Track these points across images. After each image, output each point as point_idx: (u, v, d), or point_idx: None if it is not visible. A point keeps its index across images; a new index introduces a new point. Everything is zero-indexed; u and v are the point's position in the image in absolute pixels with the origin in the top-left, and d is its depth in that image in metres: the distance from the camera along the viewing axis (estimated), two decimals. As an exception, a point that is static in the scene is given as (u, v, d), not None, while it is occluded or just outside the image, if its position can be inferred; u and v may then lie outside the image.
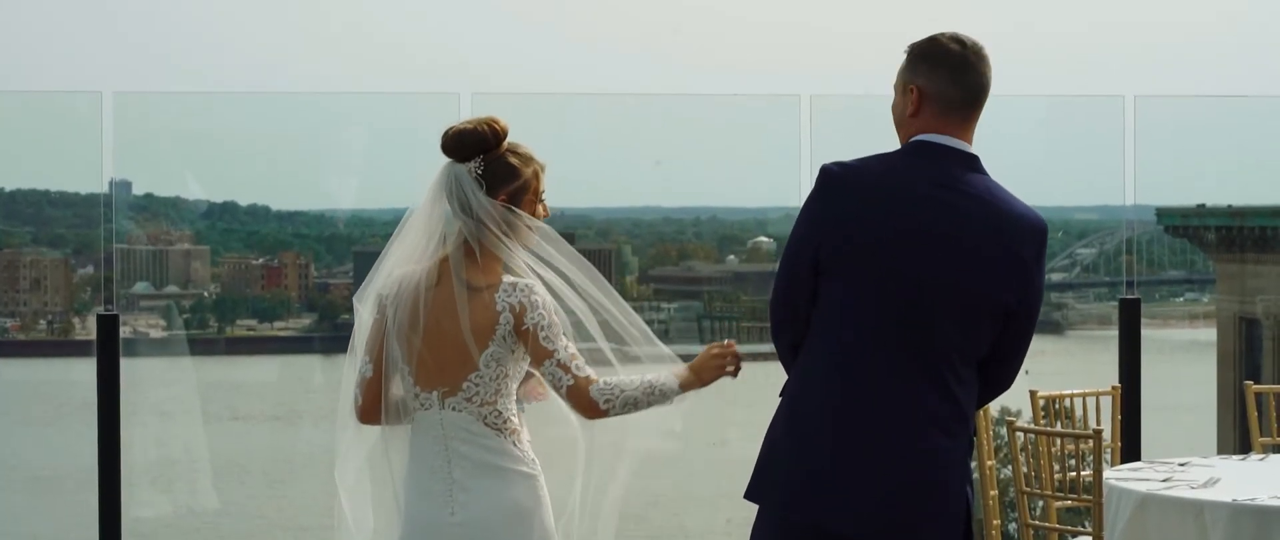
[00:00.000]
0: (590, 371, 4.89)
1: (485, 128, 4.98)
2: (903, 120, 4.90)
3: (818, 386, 4.75)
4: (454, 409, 4.86)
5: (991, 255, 4.76)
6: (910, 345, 4.71)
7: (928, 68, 4.85)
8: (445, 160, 5.02)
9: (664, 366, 5.04)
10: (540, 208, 5.04)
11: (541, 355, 4.84)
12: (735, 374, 5.06)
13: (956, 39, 4.89)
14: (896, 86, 4.93)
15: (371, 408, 4.99)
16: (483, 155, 4.98)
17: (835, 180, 4.74)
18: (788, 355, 4.86)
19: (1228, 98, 13.05)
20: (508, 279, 4.89)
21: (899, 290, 4.69)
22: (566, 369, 4.85)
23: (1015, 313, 4.82)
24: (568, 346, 4.87)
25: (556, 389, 4.89)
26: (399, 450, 5.02)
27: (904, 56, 4.92)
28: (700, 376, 5.04)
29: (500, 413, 4.90)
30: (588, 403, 4.85)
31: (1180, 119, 12.29)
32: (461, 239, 4.93)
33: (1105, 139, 10.96)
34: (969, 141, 4.85)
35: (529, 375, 5.03)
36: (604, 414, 4.87)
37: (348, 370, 5.08)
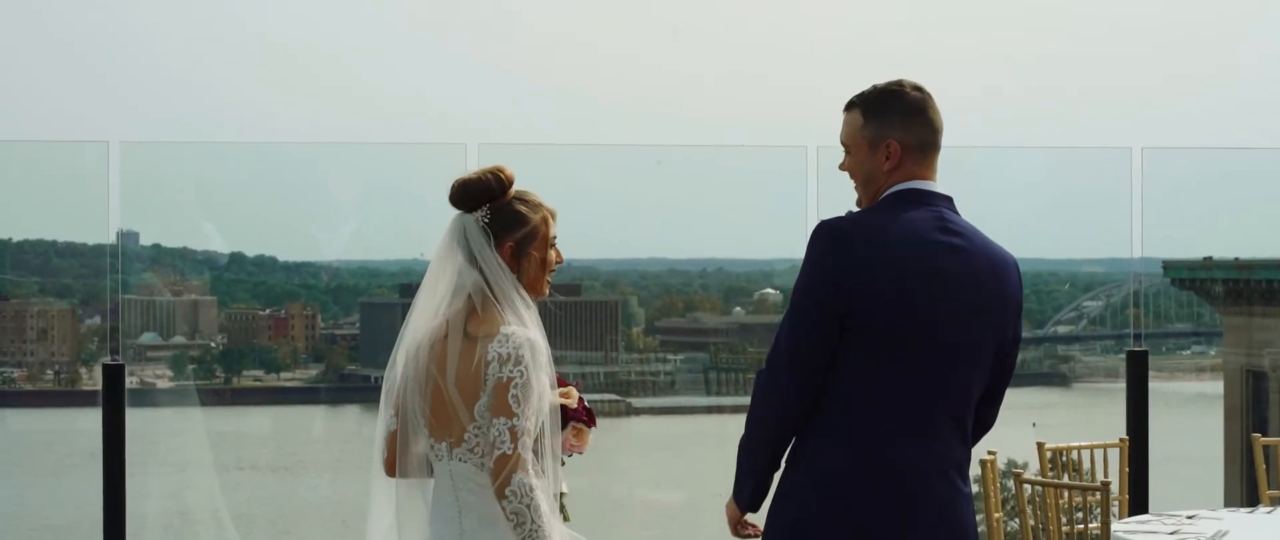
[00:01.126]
0: (530, 458, 4.72)
1: (490, 177, 4.95)
2: (875, 175, 4.85)
3: (860, 451, 4.70)
4: (460, 460, 4.81)
5: (995, 296, 4.83)
6: (940, 395, 4.74)
7: (901, 119, 4.83)
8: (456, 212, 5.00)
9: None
10: (552, 254, 4.99)
11: (500, 409, 4.70)
12: None
13: (912, 85, 4.89)
14: (856, 144, 4.87)
15: (393, 461, 4.97)
16: (489, 203, 4.95)
17: (845, 234, 4.69)
18: (785, 417, 4.76)
19: (1235, 150, 13.07)
20: (505, 329, 4.79)
21: (929, 341, 4.69)
22: (513, 437, 4.70)
23: (1008, 352, 4.93)
24: (528, 420, 4.72)
25: (493, 447, 4.71)
26: (419, 503, 4.99)
27: (855, 112, 4.89)
28: None
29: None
30: (504, 481, 4.67)
31: (1187, 171, 12.32)
32: (467, 290, 4.89)
33: (1112, 191, 10.98)
34: (936, 181, 4.88)
35: (566, 425, 4.98)
36: (504, 500, 4.67)
37: (378, 424, 5.07)
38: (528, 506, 4.66)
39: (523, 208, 4.96)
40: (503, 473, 4.67)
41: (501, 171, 4.97)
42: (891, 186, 4.82)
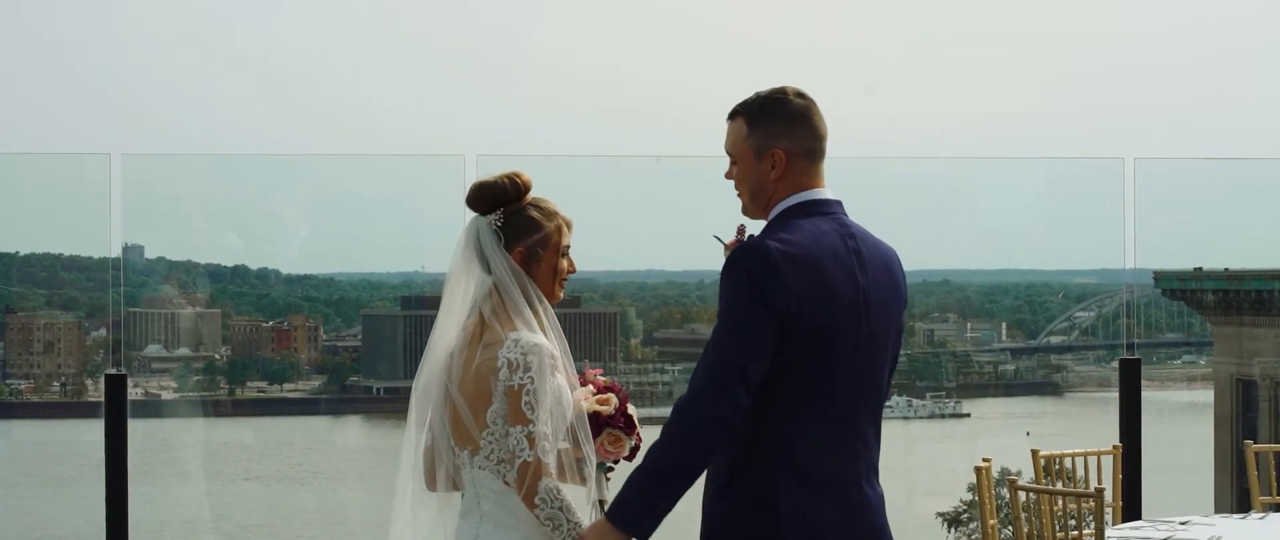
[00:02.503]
0: (551, 462, 4.71)
1: (507, 181, 4.94)
2: (763, 184, 4.79)
3: (815, 479, 4.66)
4: (479, 467, 4.81)
5: (893, 294, 4.84)
6: (864, 403, 4.76)
7: (785, 128, 4.78)
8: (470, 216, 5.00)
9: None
10: (564, 263, 4.98)
11: (516, 417, 4.69)
12: None
13: (795, 92, 4.86)
14: (741, 153, 4.82)
15: (430, 474, 4.96)
16: (504, 208, 4.95)
17: (774, 258, 4.59)
18: (725, 438, 4.58)
19: (1226, 160, 13.14)
20: (513, 335, 4.77)
21: (854, 353, 4.69)
22: (531, 443, 4.69)
23: (899, 343, 4.92)
24: (546, 423, 4.71)
25: (514, 456, 4.70)
26: (454, 514, 4.98)
27: (738, 121, 4.84)
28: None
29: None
30: (530, 490, 4.67)
31: (1179, 181, 12.38)
32: (484, 294, 4.88)
33: (1104, 202, 11.01)
34: (825, 188, 4.85)
35: (602, 431, 4.98)
36: (535, 509, 4.67)
37: (410, 437, 5.03)
38: (560, 509, 4.68)
39: (537, 214, 4.95)
40: (526, 481, 4.67)
41: (519, 176, 4.97)
42: (784, 197, 4.78)
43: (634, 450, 5.04)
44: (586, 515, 4.80)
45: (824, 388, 4.66)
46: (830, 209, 4.78)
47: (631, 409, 5.08)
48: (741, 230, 4.89)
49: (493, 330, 4.82)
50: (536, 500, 4.67)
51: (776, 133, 4.78)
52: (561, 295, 5.03)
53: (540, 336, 4.81)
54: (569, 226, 5.03)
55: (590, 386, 5.06)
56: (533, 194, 5.02)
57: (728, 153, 4.88)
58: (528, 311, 4.87)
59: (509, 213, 4.95)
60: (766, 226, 4.79)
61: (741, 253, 4.63)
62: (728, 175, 4.89)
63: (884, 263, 4.81)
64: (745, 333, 4.55)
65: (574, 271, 5.05)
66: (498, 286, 4.89)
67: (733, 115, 4.87)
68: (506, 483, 4.78)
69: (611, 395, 5.04)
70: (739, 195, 4.88)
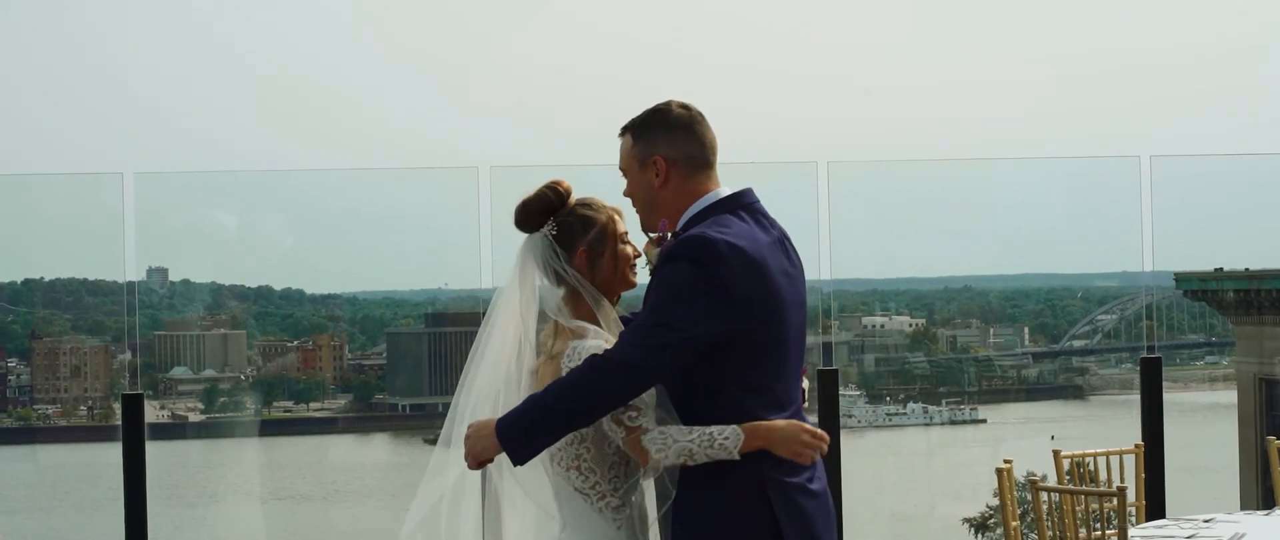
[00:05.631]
0: (644, 421, 4.75)
1: (548, 191, 5.02)
2: (651, 194, 4.95)
3: (773, 459, 4.78)
4: (553, 473, 4.92)
5: (803, 275, 5.01)
6: (795, 380, 4.94)
7: (665, 136, 4.93)
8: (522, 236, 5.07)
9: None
10: (628, 249, 5.05)
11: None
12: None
13: (679, 104, 4.99)
14: (629, 166, 4.99)
15: None
16: (553, 217, 5.03)
17: (725, 254, 4.71)
18: (627, 398, 4.71)
19: (1243, 156, 13.12)
20: (574, 342, 4.85)
21: (796, 339, 4.89)
22: (619, 424, 4.77)
23: None
24: (621, 412, 4.77)
25: (620, 443, 4.79)
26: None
27: (626, 137, 4.99)
28: (771, 442, 4.78)
29: (586, 477, 4.90)
30: (639, 451, 4.76)
31: (1196, 178, 12.37)
32: (556, 305, 4.97)
33: (1123, 202, 11.00)
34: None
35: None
36: (657, 461, 4.75)
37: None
38: (678, 442, 4.71)
39: (587, 212, 5.04)
40: (636, 446, 4.76)
41: (558, 184, 5.04)
42: (696, 202, 4.91)
43: None
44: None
45: (778, 371, 4.82)
46: (748, 201, 4.94)
47: None
48: (664, 226, 4.98)
49: (561, 338, 4.90)
50: (650, 462, 4.76)
51: (657, 142, 4.93)
52: (637, 279, 5.09)
53: (601, 339, 4.87)
54: (620, 214, 5.12)
55: None
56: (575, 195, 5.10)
57: (620, 170, 5.05)
58: (596, 314, 4.95)
59: (560, 220, 5.03)
60: (690, 224, 4.90)
61: (686, 244, 4.74)
62: (625, 193, 5.05)
63: (791, 246, 4.98)
64: (695, 305, 4.67)
65: (638, 256, 5.09)
66: (565, 295, 4.97)
67: (621, 133, 5.03)
68: (575, 489, 4.88)
69: None
70: (636, 209, 5.03)
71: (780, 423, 4.78)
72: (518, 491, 5.01)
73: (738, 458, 4.74)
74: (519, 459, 4.73)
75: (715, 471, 4.75)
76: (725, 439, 4.71)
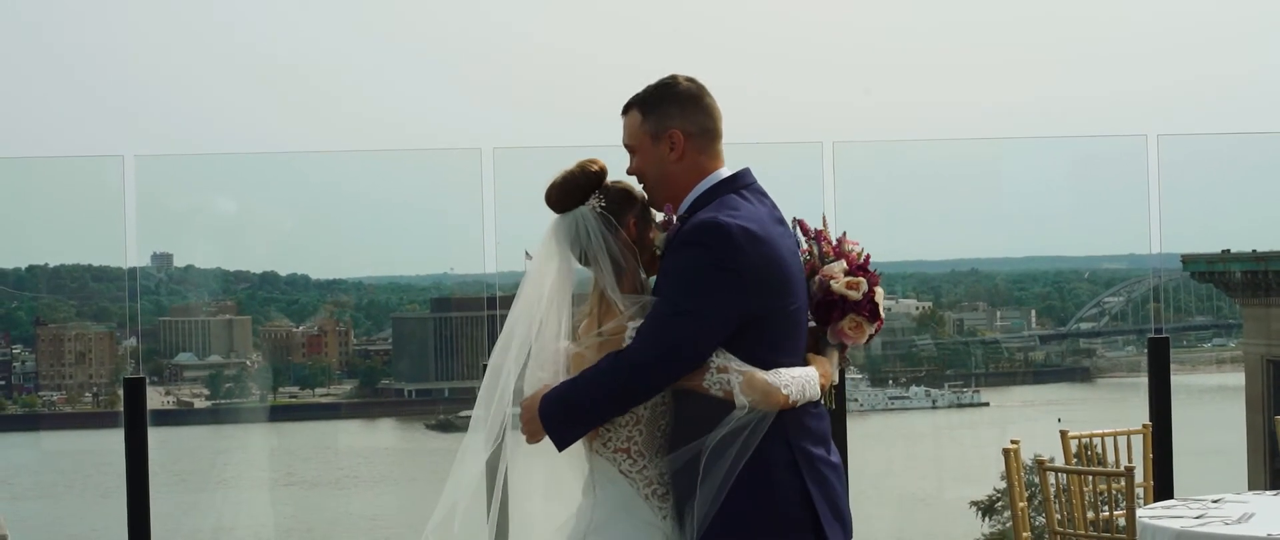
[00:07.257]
0: (750, 367, 4.69)
1: (579, 171, 4.96)
2: (665, 169, 4.90)
3: (810, 424, 4.82)
4: (598, 452, 4.87)
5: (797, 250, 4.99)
6: (801, 356, 4.90)
7: (679, 109, 4.89)
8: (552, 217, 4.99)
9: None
10: (660, 216, 5.01)
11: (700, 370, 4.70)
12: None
13: (685, 78, 4.96)
14: (640, 142, 4.92)
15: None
16: (596, 191, 4.97)
17: (739, 240, 4.69)
18: (662, 387, 4.72)
19: (1250, 135, 13.04)
20: (634, 326, 4.77)
21: (803, 315, 4.88)
22: (725, 370, 4.69)
23: None
24: (716, 352, 4.70)
25: (731, 392, 4.68)
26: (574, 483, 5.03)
27: (633, 113, 4.93)
28: (826, 373, 4.89)
29: (633, 459, 4.85)
30: (766, 389, 4.69)
31: (1203, 158, 12.31)
32: (610, 280, 4.90)
33: (1129, 183, 10.93)
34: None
35: (845, 316, 4.98)
36: (788, 401, 4.71)
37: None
38: (796, 379, 4.73)
39: (625, 184, 4.98)
40: (761, 386, 4.67)
41: (592, 162, 4.98)
42: (694, 180, 4.89)
43: (870, 339, 5.09)
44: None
45: (790, 346, 4.81)
46: (748, 180, 4.93)
47: (880, 294, 5.09)
48: (669, 210, 4.95)
49: (610, 315, 4.84)
50: (784, 392, 4.71)
51: (670, 115, 4.90)
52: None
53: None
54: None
55: (843, 262, 5.08)
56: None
57: (626, 146, 5.00)
58: (644, 286, 4.92)
59: (605, 193, 4.97)
60: (696, 207, 4.87)
61: (698, 231, 4.71)
62: (629, 170, 4.99)
63: (788, 222, 4.99)
64: (718, 317, 4.66)
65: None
66: (614, 268, 4.90)
67: (626, 109, 4.99)
68: (621, 471, 4.84)
69: (862, 280, 5.04)
70: (644, 187, 4.97)
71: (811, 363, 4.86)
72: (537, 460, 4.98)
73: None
74: (562, 445, 4.77)
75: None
76: (814, 379, 4.81)
